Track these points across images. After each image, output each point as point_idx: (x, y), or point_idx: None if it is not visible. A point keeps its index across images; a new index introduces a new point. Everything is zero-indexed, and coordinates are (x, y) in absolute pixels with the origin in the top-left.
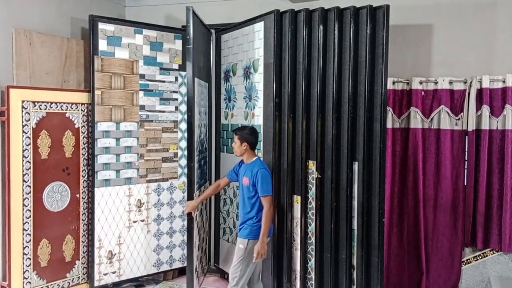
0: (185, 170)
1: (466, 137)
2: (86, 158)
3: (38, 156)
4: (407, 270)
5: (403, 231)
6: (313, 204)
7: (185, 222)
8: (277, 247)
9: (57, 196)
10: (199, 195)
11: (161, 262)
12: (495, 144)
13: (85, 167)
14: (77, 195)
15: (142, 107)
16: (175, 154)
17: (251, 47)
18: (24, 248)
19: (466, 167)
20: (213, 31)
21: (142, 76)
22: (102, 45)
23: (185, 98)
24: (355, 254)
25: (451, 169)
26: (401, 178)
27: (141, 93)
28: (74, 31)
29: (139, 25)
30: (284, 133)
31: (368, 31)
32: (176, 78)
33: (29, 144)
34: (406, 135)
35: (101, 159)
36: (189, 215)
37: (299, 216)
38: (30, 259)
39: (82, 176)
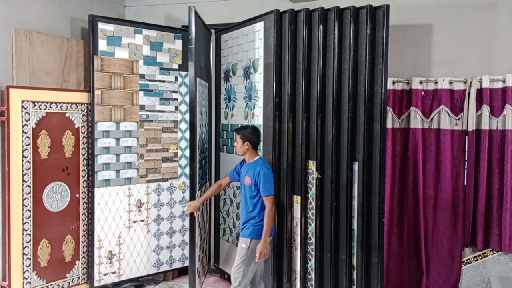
0: (185, 170)
1: (466, 137)
2: (86, 158)
3: (38, 156)
4: (407, 270)
5: (403, 231)
6: (313, 204)
7: (185, 222)
8: (277, 247)
9: (57, 196)
10: (200, 195)
11: (161, 262)
12: (495, 144)
13: (85, 167)
14: (77, 195)
15: (142, 107)
16: (175, 154)
17: (251, 47)
18: (24, 248)
19: (466, 167)
20: (213, 31)
21: (142, 76)
22: (102, 45)
23: (185, 98)
24: (355, 254)
25: (451, 169)
26: (401, 178)
27: (141, 93)
28: (74, 31)
29: (139, 25)
30: (284, 133)
31: (368, 31)
32: (176, 78)
33: (29, 144)
34: (406, 135)
35: (101, 159)
36: (191, 215)
37: (299, 216)
38: (30, 259)
39: (82, 176)
